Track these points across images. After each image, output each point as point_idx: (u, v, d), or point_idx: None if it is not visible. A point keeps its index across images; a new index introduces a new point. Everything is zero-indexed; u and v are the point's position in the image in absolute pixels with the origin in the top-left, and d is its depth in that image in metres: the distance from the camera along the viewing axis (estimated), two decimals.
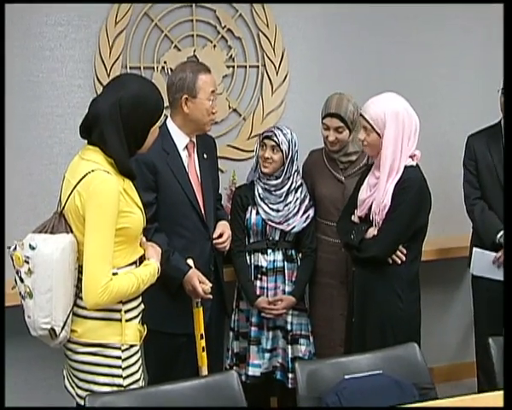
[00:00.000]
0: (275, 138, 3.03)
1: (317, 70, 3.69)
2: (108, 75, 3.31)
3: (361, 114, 2.76)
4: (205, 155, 2.94)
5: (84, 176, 2.13)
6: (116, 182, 2.14)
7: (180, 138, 2.86)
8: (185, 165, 2.86)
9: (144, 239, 2.37)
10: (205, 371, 2.70)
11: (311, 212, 3.14)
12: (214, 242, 2.91)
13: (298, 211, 3.10)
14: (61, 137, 3.33)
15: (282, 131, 3.05)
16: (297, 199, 3.10)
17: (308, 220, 3.12)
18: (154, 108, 2.25)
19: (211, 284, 2.77)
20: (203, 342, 2.71)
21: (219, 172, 3.18)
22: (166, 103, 2.67)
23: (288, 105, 3.66)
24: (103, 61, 3.33)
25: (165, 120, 2.84)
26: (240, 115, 3.61)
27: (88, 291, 2.10)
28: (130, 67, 3.39)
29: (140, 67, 3.40)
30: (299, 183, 3.13)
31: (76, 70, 3.33)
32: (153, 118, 2.25)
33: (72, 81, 3.33)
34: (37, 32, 3.25)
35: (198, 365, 2.73)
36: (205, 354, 2.71)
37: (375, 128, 2.69)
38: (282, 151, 3.03)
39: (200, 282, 2.74)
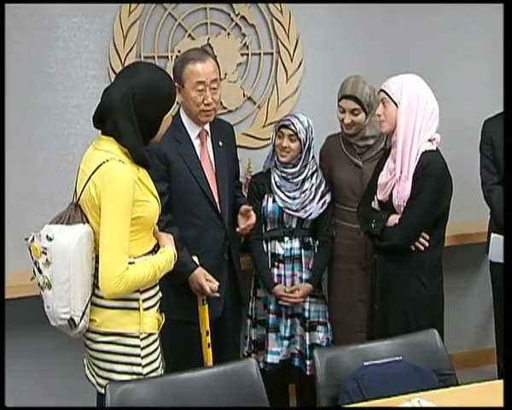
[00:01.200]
0: (292, 127, 3.00)
1: (331, 56, 3.66)
2: (123, 65, 3.29)
3: (381, 89, 2.76)
4: (220, 143, 2.92)
5: (99, 166, 2.13)
6: (131, 171, 2.14)
7: (192, 127, 2.85)
8: (198, 153, 2.85)
9: (157, 228, 2.37)
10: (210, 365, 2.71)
11: (327, 197, 3.12)
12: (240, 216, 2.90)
13: (314, 197, 3.08)
14: (77, 128, 3.33)
15: (298, 119, 3.03)
16: (312, 185, 3.09)
17: (325, 206, 3.10)
18: (166, 95, 2.24)
19: (218, 283, 2.75)
20: (209, 339, 2.72)
21: None
22: None
23: (303, 92, 3.63)
24: (117, 52, 3.32)
25: (179, 110, 2.83)
26: (254, 103, 3.59)
27: (104, 281, 2.11)
28: (145, 57, 3.38)
29: (154, 57, 3.39)
30: (313, 169, 3.11)
31: (90, 61, 3.33)
32: (165, 105, 2.25)
33: (86, 72, 3.33)
34: (51, 23, 3.25)
35: (204, 360, 2.73)
36: (210, 350, 2.72)
37: (392, 97, 2.69)
38: (299, 140, 3.01)
39: (206, 280, 2.74)
